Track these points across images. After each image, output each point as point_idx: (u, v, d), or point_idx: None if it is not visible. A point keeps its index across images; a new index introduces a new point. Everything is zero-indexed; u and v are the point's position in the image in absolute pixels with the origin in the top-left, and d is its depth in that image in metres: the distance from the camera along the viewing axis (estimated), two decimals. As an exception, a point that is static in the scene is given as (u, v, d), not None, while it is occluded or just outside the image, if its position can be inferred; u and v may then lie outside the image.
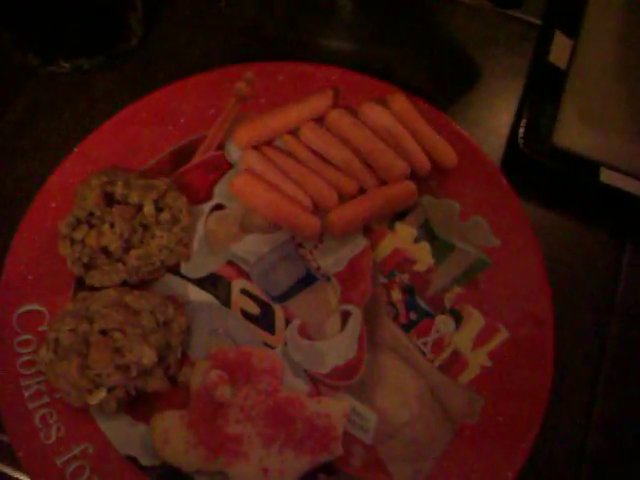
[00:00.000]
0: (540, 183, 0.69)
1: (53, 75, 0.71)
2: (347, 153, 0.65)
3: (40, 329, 0.59)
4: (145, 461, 0.55)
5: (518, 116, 0.71)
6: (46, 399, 0.57)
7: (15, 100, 0.71)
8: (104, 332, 0.56)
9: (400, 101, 0.66)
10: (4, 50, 0.71)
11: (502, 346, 0.61)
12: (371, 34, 0.77)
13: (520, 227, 0.64)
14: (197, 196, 0.65)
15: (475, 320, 0.62)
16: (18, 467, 0.56)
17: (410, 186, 0.64)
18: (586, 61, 0.73)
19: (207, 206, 0.65)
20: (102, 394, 0.55)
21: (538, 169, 0.68)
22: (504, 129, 0.72)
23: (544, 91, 0.71)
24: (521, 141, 0.68)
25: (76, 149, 0.66)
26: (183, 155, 0.66)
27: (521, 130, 0.68)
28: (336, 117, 0.66)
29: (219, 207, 0.65)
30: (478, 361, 0.60)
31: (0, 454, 0.57)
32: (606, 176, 0.66)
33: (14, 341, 0.58)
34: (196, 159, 0.66)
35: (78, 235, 0.60)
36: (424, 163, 0.65)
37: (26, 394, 0.56)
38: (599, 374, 0.63)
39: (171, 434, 0.55)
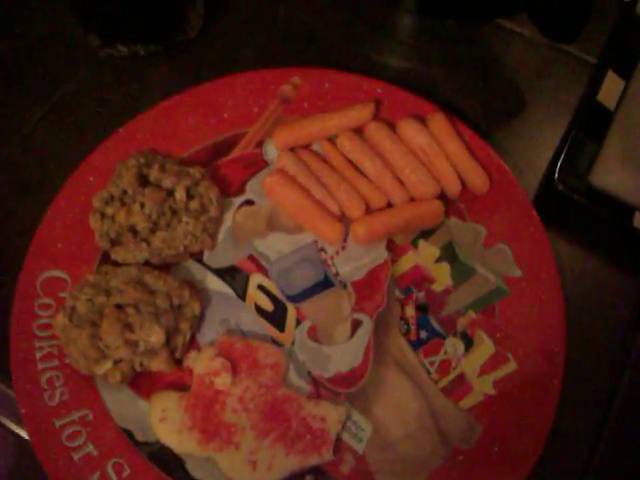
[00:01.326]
0: (570, 220, 0.68)
1: (110, 57, 0.74)
2: (380, 166, 0.65)
3: (61, 295, 0.61)
4: (140, 436, 0.57)
5: (558, 151, 0.70)
6: (55, 362, 0.58)
7: (71, 77, 0.74)
8: (119, 306, 0.58)
9: (439, 120, 0.67)
10: (68, 28, 0.74)
11: (509, 377, 0.60)
12: (423, 54, 0.77)
13: (544, 261, 0.64)
14: (229, 189, 0.66)
15: (485, 347, 0.61)
16: (21, 423, 0.58)
17: (438, 206, 0.64)
18: (635, 104, 0.72)
19: (238, 200, 0.66)
20: (108, 365, 0.56)
21: (571, 206, 0.67)
22: (542, 163, 0.71)
23: (588, 129, 0.70)
24: (557, 175, 0.67)
25: (121, 130, 0.68)
26: (222, 148, 0.68)
27: (559, 164, 0.67)
28: (374, 129, 0.66)
29: (249, 202, 0.66)
30: (482, 388, 0.60)
31: (6, 409, 0.59)
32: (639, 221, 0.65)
33: (35, 303, 0.60)
34: (234, 154, 0.68)
35: (109, 211, 0.62)
36: (455, 185, 0.65)
37: (38, 355, 0.58)
38: (606, 420, 0.61)
39: (168, 414, 0.56)
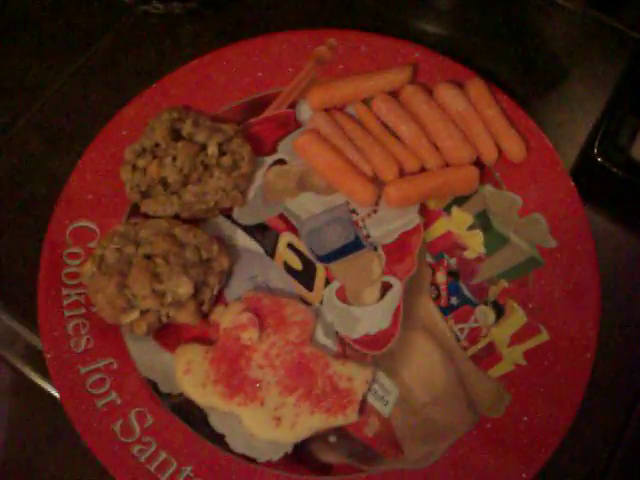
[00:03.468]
0: (609, 194, 0.67)
1: (146, 14, 0.74)
2: (416, 130, 0.64)
3: (89, 245, 0.61)
4: (164, 388, 0.56)
5: (599, 123, 0.69)
6: (82, 310, 0.58)
7: (107, 34, 0.74)
8: (148, 257, 0.57)
9: (477, 86, 0.65)
10: (104, -17, 0.74)
11: (540, 348, 0.59)
12: (463, 21, 0.76)
13: (580, 232, 0.62)
14: (262, 148, 0.66)
15: (517, 317, 0.60)
16: (47, 377, 0.58)
17: (473, 172, 0.63)
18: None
19: (270, 159, 0.65)
20: (135, 315, 0.56)
21: (609, 179, 0.65)
22: (581, 135, 0.70)
23: (630, 103, 0.69)
24: (597, 147, 0.65)
25: (155, 84, 0.67)
26: (255, 107, 0.67)
27: (599, 136, 0.66)
28: (411, 92, 0.65)
29: (281, 162, 0.65)
30: (513, 358, 0.59)
31: (32, 362, 0.59)
32: (680, 196, 0.63)
33: (64, 252, 0.60)
34: (267, 113, 0.67)
35: (141, 163, 0.61)
36: (492, 152, 0.64)
37: (65, 302, 0.58)
38: (638, 397, 0.60)
39: (193, 366, 0.55)
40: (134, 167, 0.62)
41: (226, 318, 0.57)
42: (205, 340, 0.58)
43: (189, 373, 0.55)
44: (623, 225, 0.66)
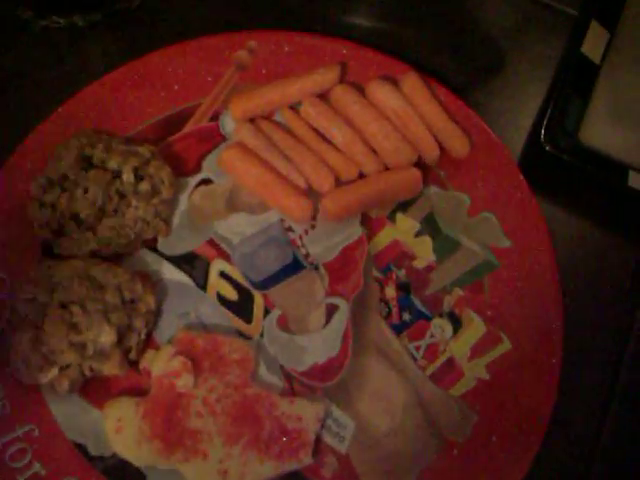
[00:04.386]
0: (560, 183, 0.63)
1: (46, 30, 0.67)
2: (350, 133, 0.59)
3: (-1, 296, 0.54)
4: (95, 450, 0.50)
5: (543, 108, 0.65)
6: (-6, 373, 0.52)
7: (4, 54, 0.67)
8: (63, 305, 0.51)
9: (412, 80, 0.61)
10: (-6, 0, 0.67)
11: (503, 358, 0.55)
12: (392, 11, 0.71)
13: (534, 228, 0.58)
14: (184, 168, 0.60)
15: (475, 327, 0.56)
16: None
17: (415, 174, 0.58)
18: (622, 56, 0.67)
19: (194, 179, 0.60)
20: (54, 372, 0.50)
21: (559, 167, 0.62)
22: (527, 122, 0.66)
23: (574, 84, 0.65)
24: (544, 135, 0.61)
25: (60, 108, 0.61)
26: (174, 123, 0.62)
27: (545, 123, 0.62)
28: (341, 93, 0.60)
29: (206, 181, 0.60)
30: (475, 373, 0.54)
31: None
32: (634, 180, 0.60)
33: (-32, 307, 0.53)
34: (187, 128, 0.61)
35: (49, 198, 0.55)
36: (433, 150, 0.59)
37: (-27, 365, 0.52)
38: (611, 399, 0.56)
39: (124, 423, 0.49)
40: (42, 203, 0.56)
41: (157, 365, 0.51)
42: (137, 391, 0.52)
43: (121, 431, 0.49)
44: (577, 214, 0.62)
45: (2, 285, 0.55)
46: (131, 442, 0.49)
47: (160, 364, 0.51)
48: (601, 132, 0.63)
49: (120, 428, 0.49)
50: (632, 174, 0.61)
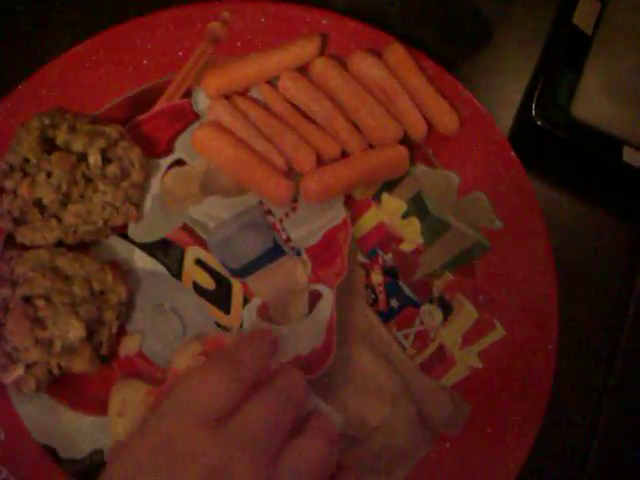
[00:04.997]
0: (552, 159, 0.60)
1: (8, 2, 0.62)
2: (331, 109, 0.56)
3: (-44, 291, 0.50)
4: (65, 453, 0.47)
5: (534, 82, 0.62)
6: (-48, 373, 0.48)
7: (-44, 29, 0.62)
8: (27, 299, 0.48)
9: (397, 53, 0.57)
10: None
11: (496, 346, 0.52)
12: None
13: (527, 208, 0.55)
14: (155, 149, 0.56)
15: (467, 313, 0.53)
16: None
17: (401, 152, 0.55)
18: (615, 26, 0.64)
19: (165, 161, 0.56)
20: (19, 371, 0.47)
21: (551, 143, 0.59)
22: (516, 97, 0.63)
23: (565, 56, 0.62)
24: (535, 109, 0.58)
25: (20, 86, 0.57)
26: (143, 101, 0.58)
27: (536, 97, 0.58)
28: (321, 67, 0.57)
29: (179, 163, 0.56)
30: (467, 361, 0.52)
31: None
32: (629, 155, 0.57)
33: None
34: (158, 106, 0.58)
35: (9, 184, 0.52)
36: (420, 126, 0.56)
37: None
38: (606, 385, 0.54)
39: (129, 407, 0.47)
40: (2, 190, 0.52)
41: (180, 359, 0.48)
42: (148, 380, 0.49)
43: (124, 414, 0.47)
44: (573, 194, 0.59)
45: (-40, 278, 0.51)
46: (131, 428, 0.46)
47: (184, 358, 0.48)
48: (594, 106, 0.60)
49: (123, 412, 0.47)
50: (626, 149, 0.58)
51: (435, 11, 0.66)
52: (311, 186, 0.53)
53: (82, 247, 0.52)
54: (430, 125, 0.57)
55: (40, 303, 0.47)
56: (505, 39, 0.66)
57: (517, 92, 0.63)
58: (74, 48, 0.58)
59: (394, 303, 0.53)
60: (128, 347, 0.51)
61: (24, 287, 0.48)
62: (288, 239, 0.54)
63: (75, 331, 0.47)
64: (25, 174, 0.52)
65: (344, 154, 0.56)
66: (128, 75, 0.58)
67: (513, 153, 0.57)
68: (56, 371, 0.48)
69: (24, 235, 0.51)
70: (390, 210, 0.56)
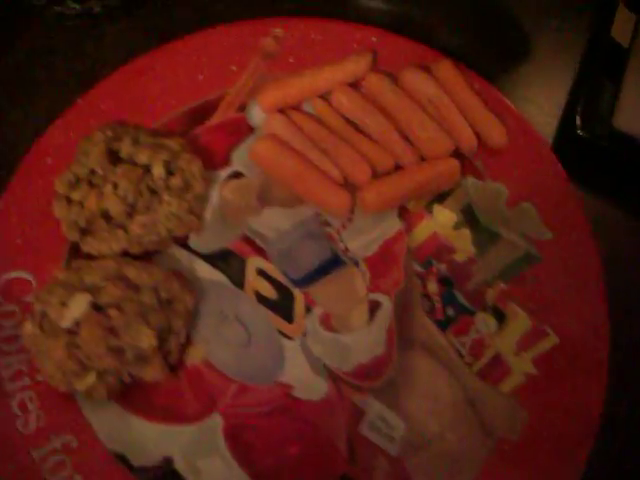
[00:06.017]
0: (596, 170, 0.61)
1: (60, 17, 0.64)
2: (384, 123, 0.57)
3: (26, 300, 0.52)
4: (136, 461, 0.48)
5: (574, 95, 0.64)
6: (27, 381, 0.49)
7: (16, 43, 0.64)
8: (98, 308, 0.49)
9: (447, 68, 0.58)
10: (5, -14, 0.64)
11: (550, 353, 0.53)
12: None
13: (575, 219, 0.57)
14: (213, 161, 0.57)
15: (520, 321, 0.54)
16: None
17: (454, 164, 0.57)
18: (651, 39, 0.66)
19: (224, 173, 0.57)
20: (91, 379, 0.48)
21: (595, 155, 0.60)
22: (555, 109, 0.65)
23: (603, 69, 0.63)
24: (579, 121, 0.60)
25: (80, 100, 0.58)
26: (200, 114, 0.59)
27: (580, 109, 0.60)
28: (375, 82, 0.58)
29: (237, 175, 0.57)
30: (522, 368, 0.53)
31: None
32: (673, 166, 0.59)
33: (-5, 312, 0.51)
34: (214, 120, 0.59)
35: (76, 195, 0.53)
36: (470, 140, 0.57)
37: (5, 374, 0.49)
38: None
39: None
40: (69, 201, 0.53)
41: None
42: (178, 397, 0.50)
43: None
44: (616, 204, 0.61)
45: (29, 288, 0.52)
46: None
47: None
48: (635, 117, 0.61)
49: None
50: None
51: (475, 27, 0.68)
52: (370, 197, 0.54)
53: (146, 257, 0.53)
54: (479, 138, 0.58)
55: (113, 312, 0.48)
56: (543, 50, 0.67)
57: (557, 103, 0.64)
58: (131, 63, 0.59)
59: (450, 312, 0.54)
60: (194, 356, 0.51)
61: (95, 296, 0.49)
62: (346, 249, 0.55)
63: (147, 340, 0.48)
64: (92, 185, 0.53)
65: (397, 167, 0.57)
66: (184, 89, 0.59)
67: (559, 165, 0.58)
68: (127, 379, 0.49)
69: (91, 245, 0.52)
70: (442, 221, 0.57)
